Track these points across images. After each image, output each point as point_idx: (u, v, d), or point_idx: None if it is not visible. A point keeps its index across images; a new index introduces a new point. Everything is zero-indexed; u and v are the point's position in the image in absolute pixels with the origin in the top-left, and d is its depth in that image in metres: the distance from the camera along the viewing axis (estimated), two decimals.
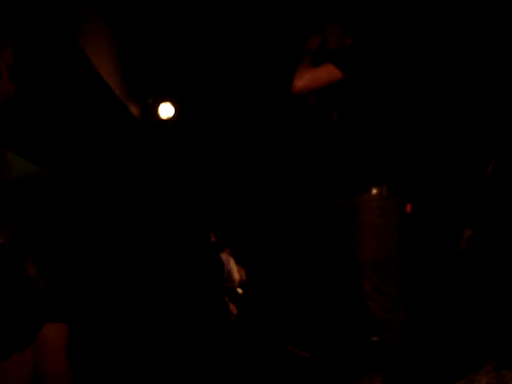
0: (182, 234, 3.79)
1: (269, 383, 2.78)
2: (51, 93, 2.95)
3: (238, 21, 3.55)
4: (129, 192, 3.68)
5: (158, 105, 4.16)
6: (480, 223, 3.35)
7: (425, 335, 2.96)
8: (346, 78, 2.24)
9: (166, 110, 4.13)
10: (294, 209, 3.10)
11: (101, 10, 3.44)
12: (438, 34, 3.45)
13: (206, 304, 3.23)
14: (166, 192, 3.97)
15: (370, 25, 2.56)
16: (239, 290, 4.61)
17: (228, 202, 4.07)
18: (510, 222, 3.38)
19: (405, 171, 2.34)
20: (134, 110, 4.05)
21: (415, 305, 2.53)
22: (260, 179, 3.94)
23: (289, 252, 2.67)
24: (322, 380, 2.91)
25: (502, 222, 3.40)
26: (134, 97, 4.01)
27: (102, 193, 3.39)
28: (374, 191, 2.22)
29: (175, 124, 4.11)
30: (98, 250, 3.13)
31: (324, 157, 2.47)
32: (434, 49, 3.49)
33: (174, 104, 4.13)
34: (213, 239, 3.37)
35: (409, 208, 2.33)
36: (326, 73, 2.25)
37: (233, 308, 3.80)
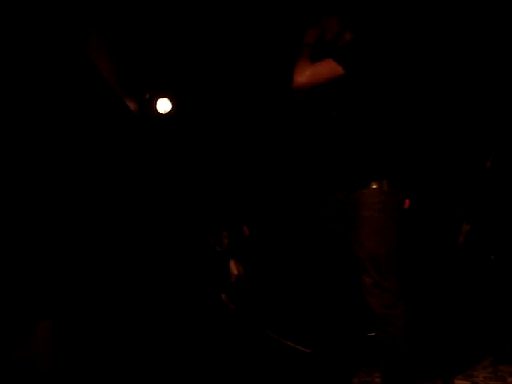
0: (179, 229, 3.78)
1: (265, 377, 2.78)
2: (48, 87, 2.94)
3: (235, 15, 3.53)
4: (126, 187, 3.67)
5: (156, 99, 4.14)
6: (478, 218, 3.34)
7: (423, 330, 2.96)
8: (347, 74, 2.23)
9: (164, 105, 4.11)
10: (292, 205, 3.09)
11: (98, 4, 3.43)
12: (437, 30, 3.44)
13: (202, 300, 3.23)
14: (164, 187, 3.96)
15: (367, 18, 2.54)
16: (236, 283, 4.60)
17: (226, 197, 4.06)
18: (508, 216, 3.38)
19: (403, 166, 2.34)
20: (132, 105, 4.03)
21: (414, 300, 2.53)
22: (258, 175, 3.93)
23: (286, 248, 2.67)
24: (319, 375, 2.91)
25: (501, 216, 3.40)
26: (131, 91, 3.99)
27: (99, 188, 3.38)
28: (374, 186, 2.22)
29: (173, 119, 4.10)
30: (94, 247, 3.12)
31: (323, 152, 2.46)
32: (433, 44, 3.48)
33: (171, 99, 4.12)
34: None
35: (407, 203, 2.33)
36: (328, 68, 2.24)
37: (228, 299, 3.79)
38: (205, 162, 4.09)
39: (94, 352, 2.72)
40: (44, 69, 2.86)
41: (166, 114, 4.13)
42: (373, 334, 2.35)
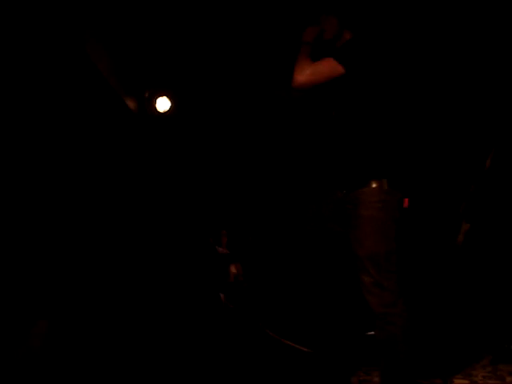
0: (179, 229, 3.78)
1: (264, 377, 2.78)
2: (48, 86, 2.93)
3: (234, 14, 3.53)
4: (125, 186, 3.67)
5: (155, 98, 4.14)
6: (478, 217, 3.34)
7: (422, 329, 2.96)
8: (348, 73, 2.22)
9: (163, 104, 4.11)
10: (291, 203, 3.09)
11: (98, 4, 3.42)
12: (437, 29, 3.44)
13: (201, 299, 3.23)
14: (163, 185, 3.96)
15: (367, 17, 2.54)
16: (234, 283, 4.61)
17: (225, 197, 4.06)
18: (507, 215, 3.38)
19: (403, 165, 2.34)
20: (131, 104, 4.03)
21: (413, 299, 2.53)
22: (257, 174, 3.93)
23: (285, 247, 2.66)
24: (318, 374, 2.91)
25: (500, 215, 3.40)
26: (131, 90, 3.99)
27: (98, 187, 3.37)
28: (374, 185, 2.22)
29: (172, 117, 4.10)
30: (93, 246, 3.12)
31: (322, 151, 2.46)
32: (432, 44, 3.48)
33: (170, 97, 4.11)
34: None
35: (406, 202, 2.33)
36: (328, 67, 2.24)
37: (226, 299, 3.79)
38: (204, 160, 4.09)
39: (92, 352, 2.72)
40: (44, 68, 2.86)
41: (165, 112, 4.13)
42: (372, 333, 2.34)
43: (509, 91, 3.43)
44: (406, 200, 2.33)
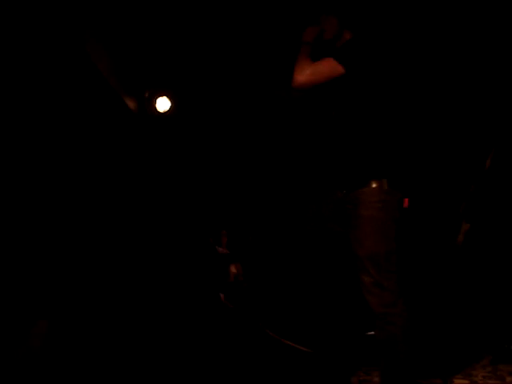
0: (179, 229, 3.78)
1: (264, 377, 2.78)
2: (48, 86, 2.93)
3: (235, 14, 3.53)
4: (125, 186, 3.67)
5: (155, 98, 4.14)
6: (478, 217, 3.34)
7: (422, 329, 2.96)
8: (348, 74, 2.22)
9: (163, 104, 4.11)
10: (291, 203, 3.09)
11: (98, 3, 3.42)
12: (436, 29, 3.44)
13: (200, 299, 3.23)
14: (163, 185, 3.96)
15: (367, 17, 2.54)
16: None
17: (225, 197, 4.06)
18: (507, 215, 3.38)
19: (403, 165, 2.34)
20: (131, 104, 4.03)
21: (413, 299, 2.52)
22: (258, 173, 3.93)
23: (286, 247, 2.66)
24: (318, 374, 2.91)
25: (500, 215, 3.40)
26: (131, 90, 3.99)
27: (98, 187, 3.37)
28: (374, 185, 2.22)
29: (172, 117, 4.09)
30: (92, 246, 3.11)
31: (322, 151, 2.45)
32: (432, 44, 3.47)
33: (170, 97, 4.11)
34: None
35: (406, 202, 2.33)
36: (328, 67, 2.24)
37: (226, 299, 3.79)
38: (204, 160, 4.09)
39: (92, 352, 2.72)
40: (44, 68, 2.86)
41: (165, 112, 4.13)
42: (372, 333, 2.34)
43: (509, 91, 3.43)
44: (406, 200, 2.33)
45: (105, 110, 3.57)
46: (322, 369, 2.95)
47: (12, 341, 2.33)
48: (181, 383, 2.68)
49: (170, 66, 3.99)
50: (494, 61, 3.46)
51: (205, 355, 2.90)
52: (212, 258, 3.48)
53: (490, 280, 3.36)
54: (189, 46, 3.81)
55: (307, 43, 2.37)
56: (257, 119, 3.91)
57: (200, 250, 3.58)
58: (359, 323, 3.08)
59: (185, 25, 3.66)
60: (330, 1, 2.41)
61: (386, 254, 2.20)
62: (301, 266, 3.00)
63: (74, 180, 3.17)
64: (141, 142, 4.03)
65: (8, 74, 2.63)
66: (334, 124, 2.37)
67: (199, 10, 3.54)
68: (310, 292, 3.22)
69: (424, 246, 3.43)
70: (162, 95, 4.12)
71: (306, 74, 2.26)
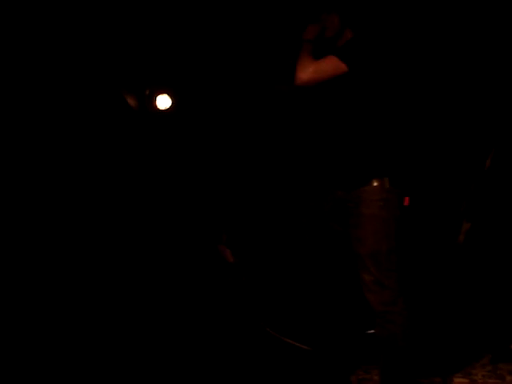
0: (179, 226, 3.77)
1: (263, 375, 2.78)
2: (48, 84, 2.93)
3: (235, 12, 3.52)
4: (125, 184, 3.66)
5: (156, 95, 4.13)
6: (479, 216, 3.34)
7: (422, 328, 2.96)
8: (351, 72, 2.22)
9: (164, 101, 4.10)
10: (292, 202, 3.08)
11: (98, 0, 3.42)
12: (438, 28, 3.43)
13: (201, 298, 3.23)
14: (163, 184, 3.95)
15: (369, 15, 2.54)
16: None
17: (226, 195, 4.06)
18: (508, 215, 3.38)
19: (404, 164, 2.34)
20: (131, 101, 4.02)
21: (413, 298, 2.53)
22: (258, 172, 3.92)
23: (286, 245, 2.67)
24: (317, 372, 2.91)
25: (501, 215, 3.40)
26: (131, 87, 3.98)
27: (98, 185, 3.37)
28: (375, 183, 2.22)
29: (173, 115, 4.09)
30: (92, 245, 3.11)
31: (323, 149, 2.45)
32: (433, 43, 3.47)
33: (171, 95, 4.10)
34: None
35: (407, 201, 2.33)
36: (331, 65, 2.23)
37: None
38: (205, 158, 4.08)
39: (92, 352, 2.72)
40: (44, 67, 2.86)
41: (165, 110, 4.12)
42: (372, 331, 2.35)
43: (509, 91, 3.43)
44: (407, 198, 2.33)
45: (105, 107, 3.56)
46: (322, 367, 2.95)
47: (12, 340, 2.33)
48: (180, 383, 2.68)
49: (171, 63, 3.98)
50: (494, 61, 3.46)
51: (205, 354, 2.90)
52: (215, 257, 3.48)
53: (490, 279, 3.36)
54: (190, 42, 3.80)
55: (309, 41, 2.37)
56: (258, 116, 3.91)
57: (202, 248, 3.58)
58: (359, 321, 3.08)
59: (185, 21, 3.66)
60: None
61: (387, 253, 2.21)
62: (301, 265, 3.00)
63: (73, 178, 3.17)
64: (141, 139, 4.02)
65: (8, 73, 2.64)
66: (335, 122, 2.37)
67: (200, 6, 3.54)
68: (310, 290, 3.22)
69: (424, 244, 3.43)
70: (162, 93, 4.11)
71: (308, 71, 2.26)
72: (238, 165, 3.97)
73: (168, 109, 4.10)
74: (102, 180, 3.40)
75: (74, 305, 2.94)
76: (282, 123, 3.82)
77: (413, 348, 2.24)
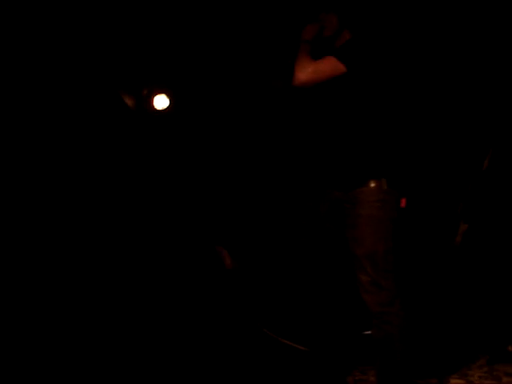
0: (177, 227, 3.77)
1: (260, 375, 2.78)
2: (46, 84, 2.93)
3: (233, 12, 3.52)
4: (123, 184, 3.66)
5: (153, 96, 4.13)
6: (476, 217, 3.34)
7: (419, 329, 2.96)
8: (349, 72, 2.22)
9: (161, 101, 4.10)
10: (289, 203, 3.08)
11: (96, 0, 3.41)
12: (436, 29, 3.44)
13: (200, 299, 3.23)
14: (161, 184, 3.95)
15: (367, 15, 2.53)
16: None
17: (223, 196, 4.05)
18: (506, 216, 3.38)
19: (401, 165, 2.34)
20: (129, 101, 4.02)
21: (410, 299, 2.53)
22: (255, 173, 3.92)
23: (283, 246, 2.66)
24: (314, 373, 2.91)
25: (498, 216, 3.40)
26: (129, 87, 3.98)
27: (96, 185, 3.37)
28: (373, 184, 2.23)
29: (170, 115, 4.08)
30: (90, 245, 3.11)
31: (321, 150, 2.45)
32: (431, 44, 3.47)
33: (169, 95, 4.10)
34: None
35: (403, 202, 2.33)
36: (330, 66, 2.23)
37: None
38: (202, 159, 4.08)
39: (92, 352, 2.72)
40: (42, 67, 2.85)
41: (163, 110, 4.11)
42: (368, 332, 2.34)
43: (507, 91, 3.43)
44: (404, 200, 2.34)
45: (102, 107, 3.56)
46: (319, 368, 2.95)
47: (12, 341, 2.33)
48: (180, 383, 2.68)
49: (169, 63, 3.98)
50: (493, 61, 3.46)
51: (203, 354, 2.90)
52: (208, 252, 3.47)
53: (487, 280, 3.36)
54: (187, 42, 3.80)
55: (307, 41, 2.36)
56: (256, 117, 3.91)
57: (199, 249, 3.58)
58: (356, 322, 3.08)
59: (183, 21, 3.65)
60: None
61: (384, 254, 2.21)
62: (298, 265, 3.00)
63: (71, 178, 3.16)
64: (139, 139, 4.02)
65: (8, 73, 2.63)
66: (333, 122, 2.37)
67: (198, 6, 3.54)
68: (307, 291, 3.22)
69: (422, 245, 3.43)
70: (160, 93, 4.11)
71: (307, 72, 2.25)
72: (236, 165, 3.97)
73: (166, 109, 4.10)
74: (99, 180, 3.39)
75: (73, 305, 2.94)
76: (279, 124, 3.82)
77: (409, 349, 2.24)
